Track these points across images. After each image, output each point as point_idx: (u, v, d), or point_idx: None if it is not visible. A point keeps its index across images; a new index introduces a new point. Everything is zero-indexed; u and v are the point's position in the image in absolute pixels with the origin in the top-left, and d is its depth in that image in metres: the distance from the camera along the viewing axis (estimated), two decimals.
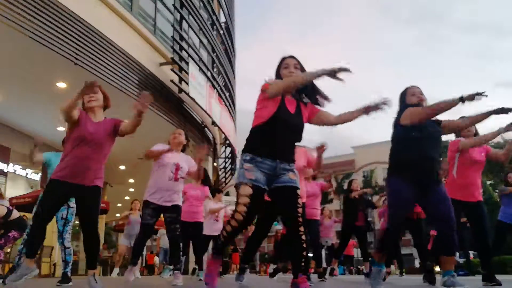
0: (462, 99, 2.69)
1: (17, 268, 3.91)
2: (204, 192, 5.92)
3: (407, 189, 2.86)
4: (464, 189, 3.84)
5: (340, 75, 2.20)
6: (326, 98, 2.57)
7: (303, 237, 2.33)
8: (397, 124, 3.01)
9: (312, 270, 6.09)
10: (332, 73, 2.21)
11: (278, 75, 2.60)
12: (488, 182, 21.30)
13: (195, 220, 5.73)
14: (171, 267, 6.00)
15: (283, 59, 2.61)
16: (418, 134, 2.89)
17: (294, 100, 2.54)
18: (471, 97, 2.67)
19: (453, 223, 2.82)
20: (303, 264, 2.35)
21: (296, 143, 2.53)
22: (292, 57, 2.61)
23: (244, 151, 2.47)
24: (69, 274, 4.43)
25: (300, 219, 2.35)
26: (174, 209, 4.16)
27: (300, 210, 2.37)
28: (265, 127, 2.44)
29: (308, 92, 2.56)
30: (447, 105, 2.75)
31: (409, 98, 3.06)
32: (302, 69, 2.58)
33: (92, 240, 2.94)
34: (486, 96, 2.66)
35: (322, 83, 2.45)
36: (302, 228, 2.34)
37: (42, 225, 2.89)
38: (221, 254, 2.52)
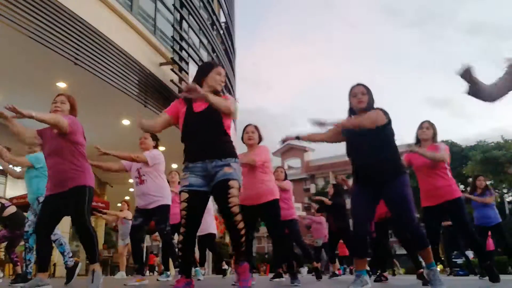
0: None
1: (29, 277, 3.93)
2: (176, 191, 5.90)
3: (358, 194, 2.91)
4: (428, 195, 3.88)
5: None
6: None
7: (240, 225, 2.41)
8: None
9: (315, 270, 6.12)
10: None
11: (202, 78, 2.70)
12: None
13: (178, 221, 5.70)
14: (169, 272, 6.03)
15: (215, 66, 2.75)
16: (349, 143, 2.99)
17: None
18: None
19: (407, 218, 2.78)
20: (242, 250, 2.45)
21: (220, 137, 2.56)
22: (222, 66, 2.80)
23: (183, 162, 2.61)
24: (67, 263, 4.38)
25: (234, 209, 2.40)
26: (158, 210, 4.29)
27: (232, 199, 2.41)
28: (183, 134, 2.61)
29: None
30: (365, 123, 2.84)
31: (351, 100, 3.02)
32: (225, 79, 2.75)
33: (82, 237, 3.06)
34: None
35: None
36: (238, 217, 2.41)
37: (44, 241, 3.08)
38: (188, 274, 2.48)
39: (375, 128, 2.83)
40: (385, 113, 2.90)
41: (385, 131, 2.88)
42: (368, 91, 3.00)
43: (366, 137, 2.85)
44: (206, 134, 2.55)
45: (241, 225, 2.42)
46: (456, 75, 2.44)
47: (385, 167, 2.83)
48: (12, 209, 5.47)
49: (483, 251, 3.96)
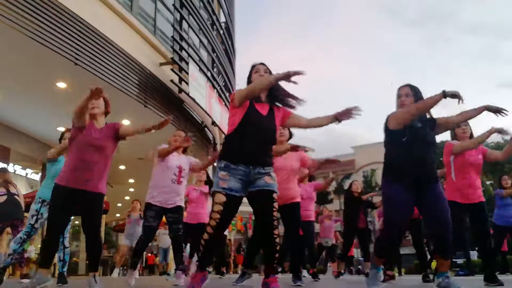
0: (444, 94, 2.62)
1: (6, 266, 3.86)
2: (205, 192, 5.90)
3: (402, 194, 2.82)
4: (463, 191, 3.81)
5: (294, 78, 2.35)
6: (296, 98, 2.64)
7: (277, 240, 2.43)
8: (387, 129, 2.96)
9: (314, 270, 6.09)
10: (287, 77, 2.35)
11: (250, 81, 2.69)
12: (488, 182, 21.27)
13: (199, 221, 5.70)
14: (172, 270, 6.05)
15: (254, 66, 2.73)
16: (410, 138, 2.84)
17: (267, 104, 2.62)
18: (454, 94, 2.61)
19: (448, 225, 2.76)
20: (275, 265, 2.48)
21: (271, 146, 2.59)
22: (262, 63, 2.73)
23: (219, 158, 2.53)
24: (65, 274, 4.43)
25: (275, 223, 2.43)
26: (176, 210, 4.15)
27: (275, 214, 2.44)
28: (237, 131, 2.50)
29: (277, 96, 2.64)
30: (431, 102, 2.68)
31: (397, 101, 2.99)
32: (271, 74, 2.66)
33: (94, 245, 3.00)
34: (463, 102, 2.65)
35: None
36: (276, 232, 2.43)
37: (56, 238, 2.96)
38: (205, 268, 2.52)
39: (432, 131, 2.89)
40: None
41: (434, 135, 2.93)
42: (414, 92, 2.94)
43: (427, 136, 2.84)
44: (262, 140, 2.52)
45: (278, 239, 2.44)
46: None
47: (432, 169, 2.86)
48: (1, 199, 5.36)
49: (492, 258, 3.89)
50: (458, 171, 3.86)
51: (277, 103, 2.66)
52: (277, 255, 2.46)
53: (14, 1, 5.72)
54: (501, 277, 3.84)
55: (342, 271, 7.21)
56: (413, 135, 2.84)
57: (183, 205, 4.28)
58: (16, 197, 5.39)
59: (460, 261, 11.57)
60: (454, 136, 4.02)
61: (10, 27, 5.68)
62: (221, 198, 2.41)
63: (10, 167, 9.92)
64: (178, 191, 4.17)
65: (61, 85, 7.45)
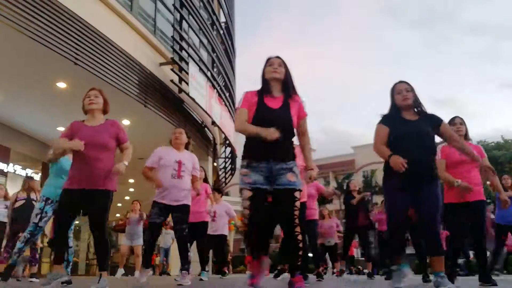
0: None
1: (18, 265, 3.93)
2: (205, 190, 5.82)
3: (398, 194, 2.85)
4: (456, 192, 3.67)
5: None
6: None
7: (299, 237, 2.42)
8: None
9: (321, 269, 6.09)
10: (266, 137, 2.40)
11: (263, 73, 2.67)
12: (488, 182, 21.22)
13: (198, 220, 5.59)
14: (205, 272, 5.97)
15: (269, 59, 2.69)
16: (398, 139, 2.89)
17: (280, 96, 2.61)
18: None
19: (432, 224, 2.77)
20: (299, 263, 2.47)
21: (289, 138, 2.56)
22: (277, 57, 2.69)
23: (242, 157, 2.56)
24: (69, 273, 4.43)
25: (297, 221, 2.42)
26: (181, 209, 4.09)
27: (297, 212, 2.43)
28: None
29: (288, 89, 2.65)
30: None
31: (396, 97, 2.99)
32: (287, 69, 2.65)
33: (100, 243, 3.03)
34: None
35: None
36: (298, 229, 2.42)
37: (63, 236, 3.07)
38: (257, 257, 2.53)
39: (432, 130, 2.90)
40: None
41: (434, 134, 2.94)
42: (412, 88, 2.99)
43: (424, 136, 2.86)
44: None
45: (300, 237, 2.42)
46: None
47: (433, 166, 2.88)
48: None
49: (486, 258, 3.86)
50: (453, 172, 3.82)
51: (292, 95, 2.64)
52: (301, 253, 2.43)
53: (14, 1, 5.72)
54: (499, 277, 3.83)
55: (344, 269, 7.22)
56: (403, 134, 2.88)
57: (189, 203, 4.20)
58: (34, 202, 5.57)
59: (460, 261, 11.57)
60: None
61: (10, 27, 5.68)
62: (247, 193, 2.45)
63: (10, 167, 9.93)
64: (180, 186, 4.08)
65: (61, 85, 7.45)
